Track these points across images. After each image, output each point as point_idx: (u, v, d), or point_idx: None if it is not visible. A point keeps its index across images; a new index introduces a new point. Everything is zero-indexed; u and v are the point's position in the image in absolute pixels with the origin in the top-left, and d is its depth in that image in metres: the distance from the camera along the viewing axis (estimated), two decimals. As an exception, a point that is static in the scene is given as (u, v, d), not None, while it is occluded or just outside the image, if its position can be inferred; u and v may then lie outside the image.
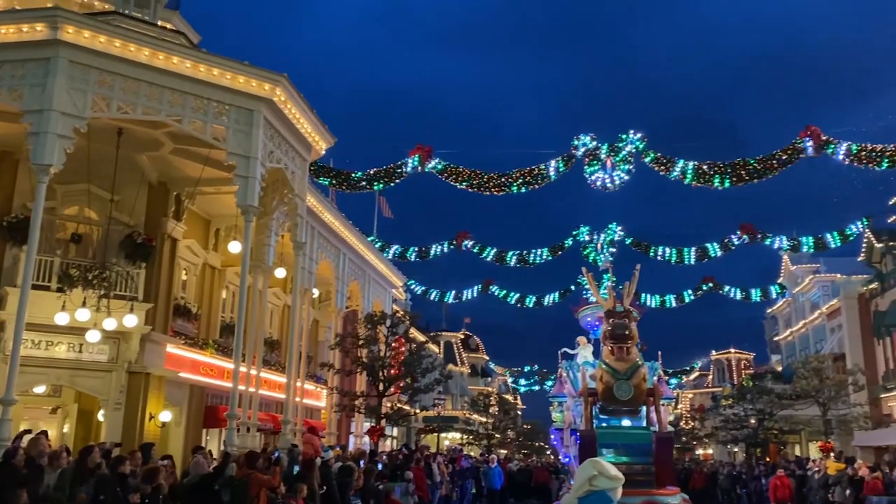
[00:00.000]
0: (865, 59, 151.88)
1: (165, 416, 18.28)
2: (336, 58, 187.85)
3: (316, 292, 25.53)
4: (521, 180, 27.72)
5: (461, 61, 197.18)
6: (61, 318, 14.99)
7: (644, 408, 14.02)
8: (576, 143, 27.54)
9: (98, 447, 11.42)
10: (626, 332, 12.91)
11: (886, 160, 25.36)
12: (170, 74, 14.03)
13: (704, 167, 26.61)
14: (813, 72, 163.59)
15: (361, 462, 17.98)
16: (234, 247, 18.03)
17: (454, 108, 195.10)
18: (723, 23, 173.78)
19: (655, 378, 15.59)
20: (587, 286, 19.00)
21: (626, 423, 15.26)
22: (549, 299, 44.92)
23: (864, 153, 25.15)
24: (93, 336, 15.50)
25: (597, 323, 19.47)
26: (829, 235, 36.10)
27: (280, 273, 21.17)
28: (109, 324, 15.44)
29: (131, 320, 15.94)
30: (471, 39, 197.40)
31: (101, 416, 17.53)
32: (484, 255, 38.31)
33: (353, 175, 26.97)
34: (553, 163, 27.77)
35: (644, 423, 14.64)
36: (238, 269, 17.85)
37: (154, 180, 18.41)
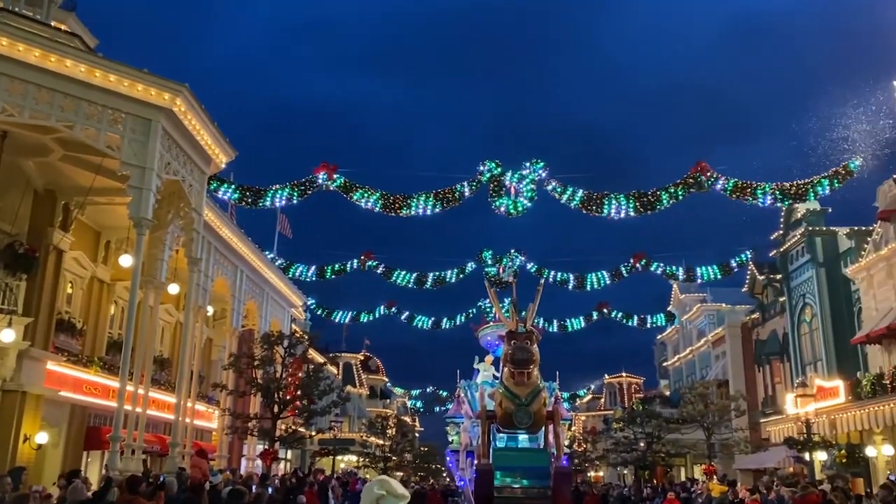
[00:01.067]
0: (758, 100, 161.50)
1: (42, 437, 17.20)
2: (249, 71, 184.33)
3: (210, 310, 24.76)
4: (425, 203, 27.85)
5: (377, 82, 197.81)
6: (-72, 332, 13.96)
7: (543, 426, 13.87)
8: (482, 168, 27.95)
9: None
10: (528, 357, 12.52)
11: (768, 196, 26.93)
12: (62, 78, 13.41)
13: (602, 196, 27.51)
14: (713, 112, 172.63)
15: (254, 486, 17.43)
16: (126, 260, 17.31)
17: (368, 128, 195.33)
18: (629, 62, 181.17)
19: (553, 399, 15.46)
20: (489, 304, 18.82)
21: (523, 437, 15.20)
22: (452, 321, 45.22)
23: (748, 189, 26.62)
24: (-37, 351, 14.49)
25: (497, 342, 19.21)
26: (715, 267, 38.00)
27: (173, 289, 20.47)
28: (-17, 338, 14.48)
29: (8, 335, 15.00)
30: (388, 61, 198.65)
31: (-32, 437, 16.34)
32: (387, 276, 38.21)
33: (255, 190, 26.37)
34: (458, 187, 28.07)
35: (542, 442, 14.27)
36: (129, 283, 17.11)
37: (40, 188, 17.46)
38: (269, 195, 26.20)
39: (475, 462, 14.93)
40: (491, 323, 25.54)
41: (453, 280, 38.70)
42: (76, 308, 20.32)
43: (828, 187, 26.24)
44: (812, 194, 26.97)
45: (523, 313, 14.36)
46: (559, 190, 27.73)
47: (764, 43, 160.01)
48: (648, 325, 47.97)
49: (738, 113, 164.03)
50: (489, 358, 22.69)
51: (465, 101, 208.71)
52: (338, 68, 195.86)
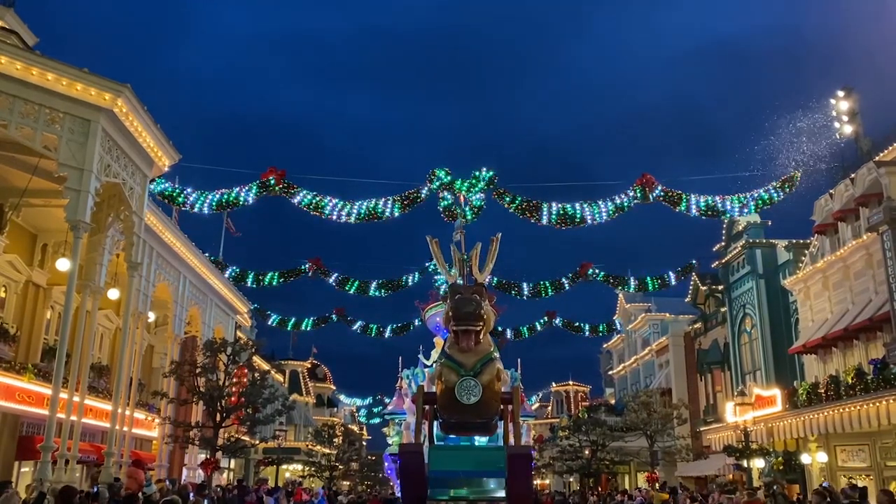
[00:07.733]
0: (721, 120, 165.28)
1: (-31, 447, 16.59)
2: (215, 82, 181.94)
3: (152, 316, 24.22)
4: (374, 209, 27.70)
5: (346, 96, 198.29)
6: None
7: (501, 423, 9.97)
8: (431, 177, 27.94)
9: None
10: (474, 309, 9.08)
11: (706, 208, 27.51)
12: (-4, 75, 13.00)
13: (552, 206, 27.75)
14: (677, 131, 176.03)
15: (191, 495, 17.08)
16: (63, 264, 16.78)
17: (332, 140, 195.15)
18: (596, 83, 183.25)
19: (514, 387, 13.29)
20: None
21: (480, 440, 12.79)
22: (402, 329, 45.00)
23: (689, 202, 27.16)
24: None
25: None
26: (667, 275, 38.69)
27: (113, 294, 19.98)
28: None
29: (-65, 341, 14.44)
30: (357, 77, 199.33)
31: None
32: (336, 282, 37.91)
33: (198, 194, 25.89)
34: (406, 194, 27.98)
35: (502, 442, 10.15)
36: (66, 288, 16.64)
37: (-28, 188, 16.91)
38: (212, 201, 25.75)
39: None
40: (440, 301, 23.84)
41: (403, 287, 38.59)
42: (10, 313, 19.68)
43: (767, 201, 27.02)
44: (752, 208, 27.70)
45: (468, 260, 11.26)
46: (507, 199, 27.90)
47: (727, 66, 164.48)
48: (595, 334, 48.52)
49: (701, 131, 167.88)
50: (439, 340, 20.91)
51: (433, 119, 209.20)
52: (306, 81, 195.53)
